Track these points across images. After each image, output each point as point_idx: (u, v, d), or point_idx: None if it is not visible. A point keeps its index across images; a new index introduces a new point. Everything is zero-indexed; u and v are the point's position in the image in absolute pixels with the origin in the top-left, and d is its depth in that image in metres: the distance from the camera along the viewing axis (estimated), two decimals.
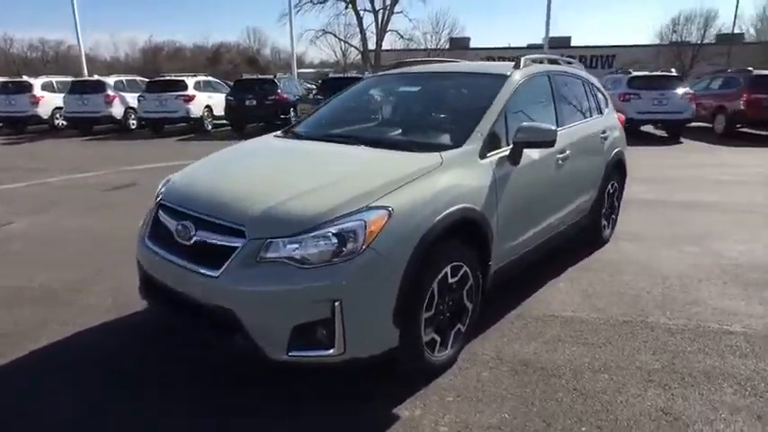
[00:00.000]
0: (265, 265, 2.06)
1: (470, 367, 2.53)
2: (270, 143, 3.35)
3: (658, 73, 13.49)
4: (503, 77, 3.21)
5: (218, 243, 2.17)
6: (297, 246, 2.05)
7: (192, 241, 2.26)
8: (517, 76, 3.22)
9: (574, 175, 3.52)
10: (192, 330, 2.58)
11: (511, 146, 2.83)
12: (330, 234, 2.04)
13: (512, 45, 35.97)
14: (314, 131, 3.36)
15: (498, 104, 2.95)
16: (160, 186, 2.74)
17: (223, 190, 2.43)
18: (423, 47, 36.98)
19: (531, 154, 2.95)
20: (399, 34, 36.93)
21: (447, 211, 2.30)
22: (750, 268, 3.76)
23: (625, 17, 74.90)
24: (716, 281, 3.53)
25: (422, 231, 2.17)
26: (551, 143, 2.81)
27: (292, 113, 13.77)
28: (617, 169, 4.32)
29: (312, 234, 2.05)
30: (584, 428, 2.10)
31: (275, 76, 15.07)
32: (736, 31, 35.89)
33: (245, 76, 15.78)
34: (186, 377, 2.48)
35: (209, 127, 14.67)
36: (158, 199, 2.62)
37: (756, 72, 12.19)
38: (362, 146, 2.84)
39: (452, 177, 2.47)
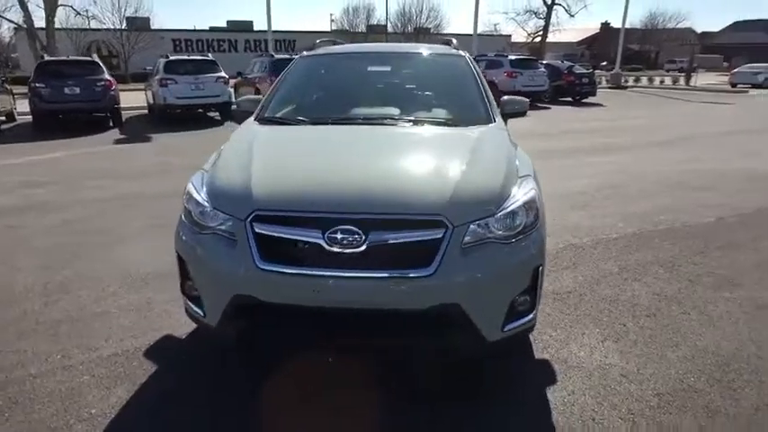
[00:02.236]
0: (474, 249, 2.04)
1: None
2: (296, 134, 3.01)
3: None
4: (461, 57, 3.68)
5: (410, 240, 2.02)
6: (496, 225, 2.10)
7: (363, 247, 1.98)
8: (468, 56, 3.68)
9: None
10: (376, 342, 2.22)
11: (500, 117, 3.14)
12: (519, 209, 2.15)
13: (196, 27, 40.92)
14: (318, 116, 3.16)
15: (482, 81, 3.41)
16: (203, 205, 2.24)
17: (362, 183, 2.19)
18: (105, 26, 33.67)
19: None
20: (75, 10, 29.39)
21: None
22: None
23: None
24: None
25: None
26: (525, 112, 3.26)
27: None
28: None
29: (505, 212, 2.12)
30: None
31: None
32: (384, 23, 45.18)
33: None
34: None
35: None
36: (253, 212, 2.08)
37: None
38: (408, 125, 2.96)
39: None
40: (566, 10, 41.77)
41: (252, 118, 3.26)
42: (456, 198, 2.09)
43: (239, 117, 3.63)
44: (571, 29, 48.63)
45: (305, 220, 2.05)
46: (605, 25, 52.32)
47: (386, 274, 1.98)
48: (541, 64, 19.55)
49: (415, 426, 2.16)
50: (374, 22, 47.87)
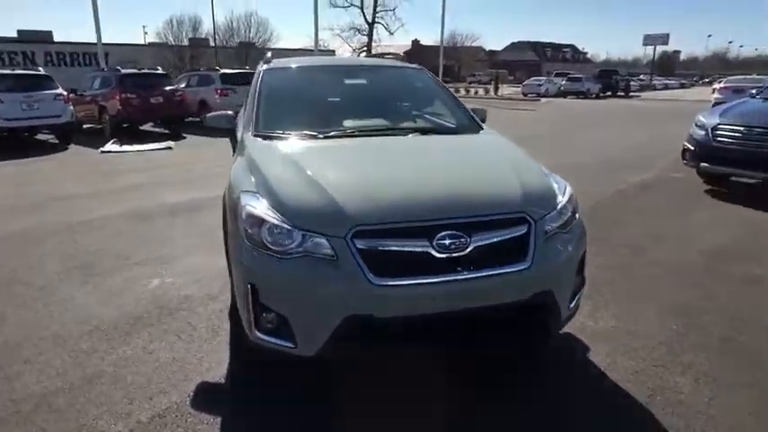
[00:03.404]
0: (550, 240, 2.32)
1: None
2: (325, 147, 2.91)
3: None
4: (423, 70, 4.11)
5: (505, 237, 2.21)
6: (557, 218, 2.38)
7: (469, 249, 2.11)
8: (426, 69, 4.14)
9: None
10: (485, 340, 2.37)
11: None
12: (567, 202, 2.48)
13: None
14: (325, 129, 3.11)
15: (450, 92, 3.90)
16: (282, 227, 2.13)
17: (449, 190, 2.33)
18: None
19: None
20: None
21: None
22: None
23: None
24: None
25: None
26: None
27: None
28: None
29: (561, 205, 2.44)
30: None
31: None
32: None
33: None
34: None
35: None
36: (353, 228, 2.06)
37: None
38: (415, 134, 3.20)
39: None
40: (385, 28, 45.50)
41: (249, 134, 3.07)
42: (528, 196, 2.34)
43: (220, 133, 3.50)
44: (395, 45, 52.80)
45: (409, 230, 2.10)
46: (416, 42, 58.28)
47: (492, 272, 2.13)
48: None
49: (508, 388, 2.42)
50: (201, 35, 45.39)
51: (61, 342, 2.96)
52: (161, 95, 12.75)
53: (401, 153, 2.92)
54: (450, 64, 60.83)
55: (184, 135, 12.93)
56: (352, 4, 46.57)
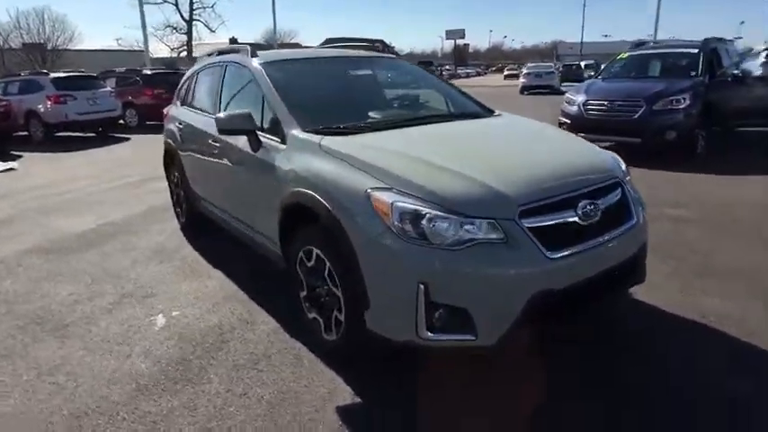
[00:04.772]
0: (633, 198, 2.62)
1: None
2: (402, 137, 2.79)
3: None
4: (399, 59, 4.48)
5: (615, 200, 2.47)
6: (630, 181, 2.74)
7: (599, 214, 2.31)
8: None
9: None
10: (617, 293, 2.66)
11: None
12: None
13: None
14: (370, 121, 3.06)
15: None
16: (448, 217, 2.05)
17: (567, 165, 2.53)
18: None
19: None
20: None
21: None
22: None
23: None
24: None
25: None
26: None
27: None
28: None
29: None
30: None
31: None
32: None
33: None
34: None
35: None
36: (518, 208, 2.11)
37: None
38: (459, 120, 3.31)
39: None
40: (205, 25, 42.57)
41: (294, 131, 2.78)
42: (612, 163, 2.68)
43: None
44: (215, 43, 49.50)
45: (558, 203, 2.23)
46: (233, 40, 55.49)
47: (619, 232, 2.39)
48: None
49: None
50: None
51: None
52: None
53: (479, 138, 2.99)
54: None
55: (16, 153, 10.55)
56: (165, 1, 42.45)
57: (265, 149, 2.97)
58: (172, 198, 5.10)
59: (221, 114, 3.03)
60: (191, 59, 39.31)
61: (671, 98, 7.14)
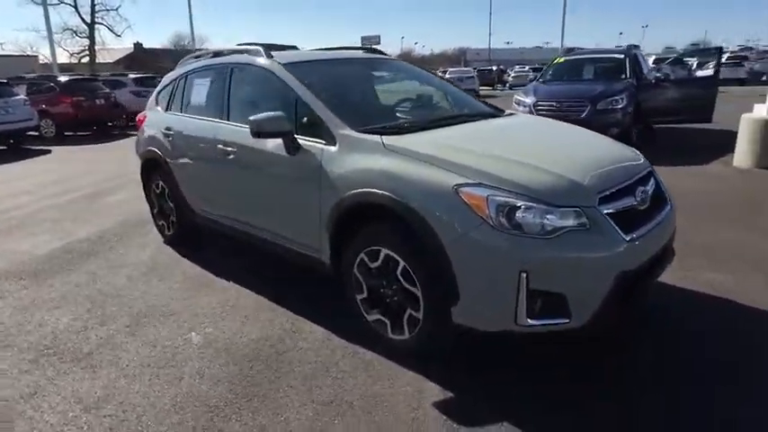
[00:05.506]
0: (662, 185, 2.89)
1: None
2: (463, 133, 2.96)
3: None
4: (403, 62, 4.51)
5: (654, 187, 2.71)
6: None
7: (649, 199, 2.55)
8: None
9: None
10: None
11: None
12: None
13: None
14: (411, 121, 3.17)
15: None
16: (542, 208, 2.16)
17: (612, 157, 2.73)
18: None
19: None
20: None
21: None
22: None
23: None
24: None
25: None
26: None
27: None
28: None
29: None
30: None
31: None
32: None
33: None
34: None
35: None
36: (597, 196, 2.29)
37: None
38: (489, 119, 3.43)
39: None
40: (109, 29, 39.52)
41: (346, 131, 2.75)
42: (640, 155, 2.94)
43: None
44: (118, 48, 45.97)
45: (622, 191, 2.43)
46: (138, 45, 51.90)
47: (664, 213, 2.64)
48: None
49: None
50: None
51: None
52: None
53: (525, 133, 3.20)
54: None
55: None
56: (62, 2, 38.63)
57: (306, 152, 2.89)
58: (152, 211, 4.73)
59: (258, 116, 2.88)
60: (93, 65, 36.35)
61: (611, 98, 7.85)
